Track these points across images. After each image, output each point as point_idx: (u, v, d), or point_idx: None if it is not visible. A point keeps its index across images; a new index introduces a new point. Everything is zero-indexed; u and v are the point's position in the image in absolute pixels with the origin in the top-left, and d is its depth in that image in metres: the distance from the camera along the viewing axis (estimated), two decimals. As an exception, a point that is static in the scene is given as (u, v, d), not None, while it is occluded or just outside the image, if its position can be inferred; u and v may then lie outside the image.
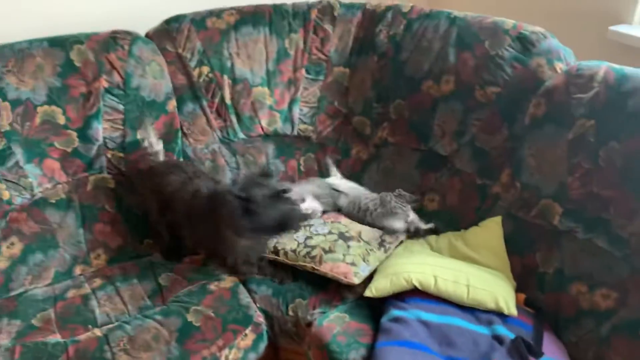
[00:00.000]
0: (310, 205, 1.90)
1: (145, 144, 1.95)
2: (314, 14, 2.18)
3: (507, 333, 1.46)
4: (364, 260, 1.68)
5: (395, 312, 1.53)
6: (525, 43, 1.81)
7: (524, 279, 1.67)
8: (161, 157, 1.96)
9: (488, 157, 1.85)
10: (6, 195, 1.82)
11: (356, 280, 1.64)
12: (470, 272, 1.59)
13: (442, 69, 1.95)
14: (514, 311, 1.52)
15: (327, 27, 2.18)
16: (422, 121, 2.00)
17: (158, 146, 1.96)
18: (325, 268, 1.67)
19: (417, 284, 1.56)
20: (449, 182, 1.93)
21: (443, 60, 1.95)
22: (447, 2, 2.46)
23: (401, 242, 1.84)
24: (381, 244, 1.76)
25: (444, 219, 1.91)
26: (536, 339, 1.47)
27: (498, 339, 1.45)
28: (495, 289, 1.55)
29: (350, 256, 1.68)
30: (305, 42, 2.18)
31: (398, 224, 1.82)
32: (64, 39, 1.92)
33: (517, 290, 1.64)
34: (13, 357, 1.49)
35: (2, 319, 1.66)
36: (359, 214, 1.89)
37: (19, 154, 1.84)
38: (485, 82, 1.85)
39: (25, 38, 1.89)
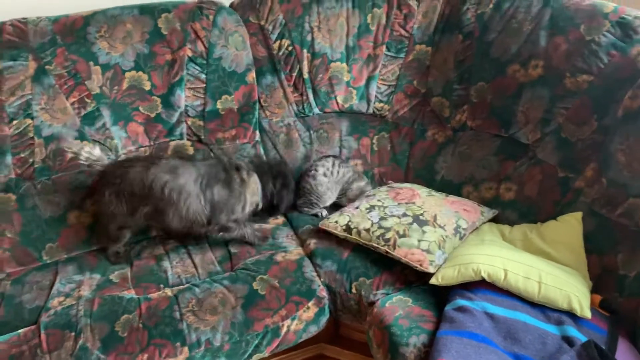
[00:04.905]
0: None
1: (85, 153, 1.74)
2: (399, -11, 2.12)
3: (578, 335, 1.39)
4: (439, 248, 1.64)
5: (460, 302, 1.50)
6: (626, 29, 1.68)
7: (602, 280, 1.58)
8: (106, 161, 1.79)
9: (573, 149, 1.75)
10: (93, 154, 1.93)
11: (432, 269, 1.60)
12: (543, 269, 1.52)
13: (531, 52, 1.85)
14: (587, 313, 1.44)
15: (412, 3, 2.12)
16: (505, 106, 1.92)
17: (96, 151, 1.77)
18: (400, 253, 1.64)
19: (485, 276, 1.51)
20: (528, 172, 1.84)
21: (533, 44, 1.85)
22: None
23: (475, 229, 1.79)
24: (457, 229, 1.71)
25: (520, 209, 1.84)
26: (610, 345, 1.39)
27: (568, 340, 1.38)
28: (568, 288, 1.48)
29: (425, 242, 1.64)
30: (387, 18, 2.13)
31: None
32: (153, 6, 1.99)
33: (593, 291, 1.55)
34: (92, 307, 1.59)
35: (84, 273, 1.78)
36: None
37: (106, 116, 1.94)
38: (577, 70, 1.74)
39: (118, 5, 1.97)
